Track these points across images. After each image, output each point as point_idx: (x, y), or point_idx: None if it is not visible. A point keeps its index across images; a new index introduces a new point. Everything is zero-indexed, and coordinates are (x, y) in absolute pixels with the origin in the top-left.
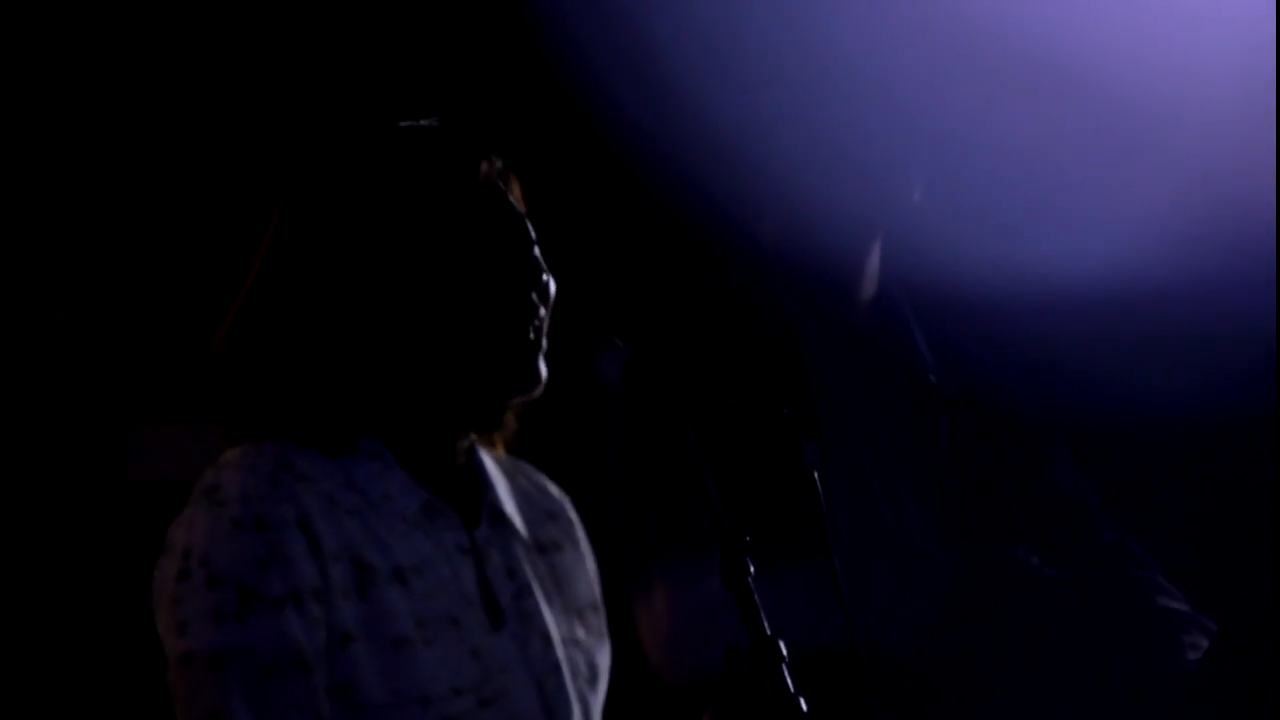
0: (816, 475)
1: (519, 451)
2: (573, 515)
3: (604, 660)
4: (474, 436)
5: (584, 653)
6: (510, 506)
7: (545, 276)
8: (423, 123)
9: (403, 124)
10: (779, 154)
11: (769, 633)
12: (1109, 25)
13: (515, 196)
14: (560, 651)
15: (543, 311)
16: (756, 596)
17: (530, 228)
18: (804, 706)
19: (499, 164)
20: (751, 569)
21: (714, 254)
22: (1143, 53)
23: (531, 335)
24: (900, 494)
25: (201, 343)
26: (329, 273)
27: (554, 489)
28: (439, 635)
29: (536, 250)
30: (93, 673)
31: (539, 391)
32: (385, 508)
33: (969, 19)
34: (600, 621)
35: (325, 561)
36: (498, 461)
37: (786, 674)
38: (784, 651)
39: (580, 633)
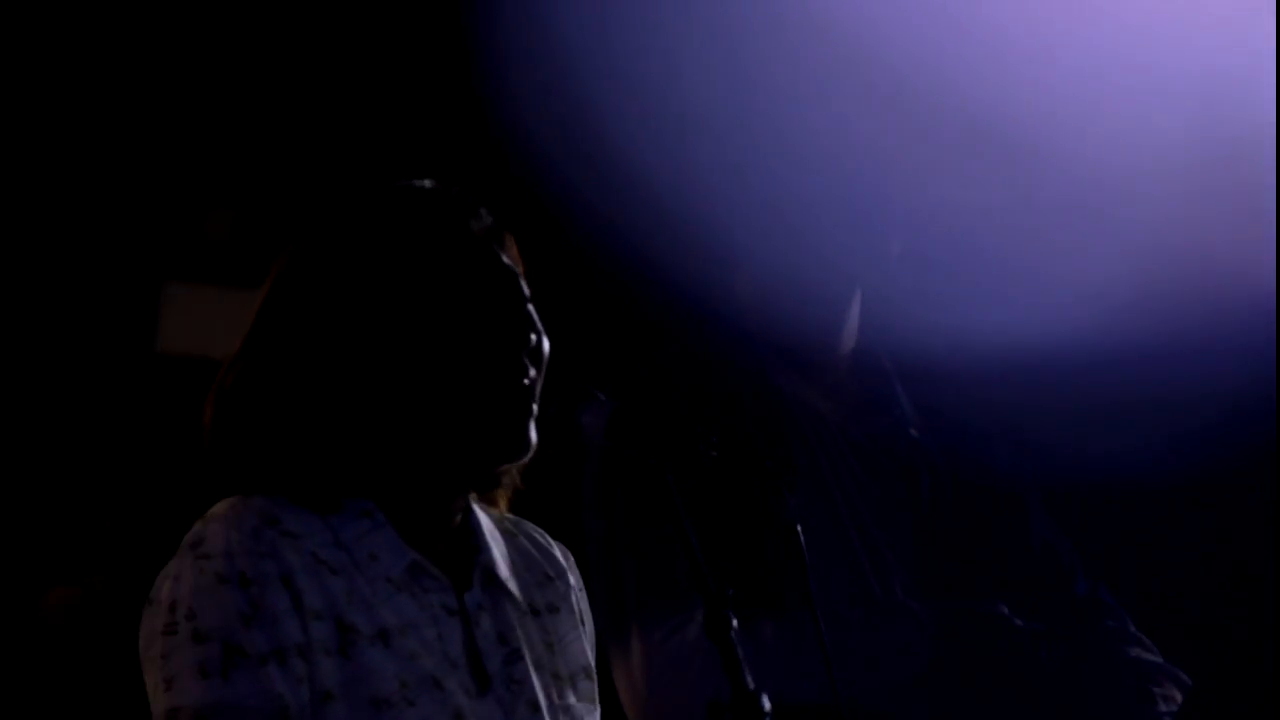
0: (799, 528)
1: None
2: (574, 578)
3: None
4: (472, 496)
5: (573, 719)
6: (505, 569)
7: (537, 335)
8: (415, 183)
9: (395, 183)
10: (757, 210)
11: (751, 687)
12: (1075, 98)
13: (510, 254)
14: (548, 718)
15: (533, 371)
16: (739, 650)
17: (523, 286)
18: None
19: (492, 221)
20: (734, 623)
21: (693, 309)
22: (1108, 124)
23: (522, 399)
24: (880, 549)
25: (233, 200)
26: (321, 330)
27: (557, 550)
28: (421, 697)
29: (530, 308)
30: (117, 550)
31: (527, 457)
32: (371, 568)
33: (940, 88)
34: (592, 687)
35: (307, 619)
36: (498, 521)
37: None
38: (766, 706)
39: (571, 699)
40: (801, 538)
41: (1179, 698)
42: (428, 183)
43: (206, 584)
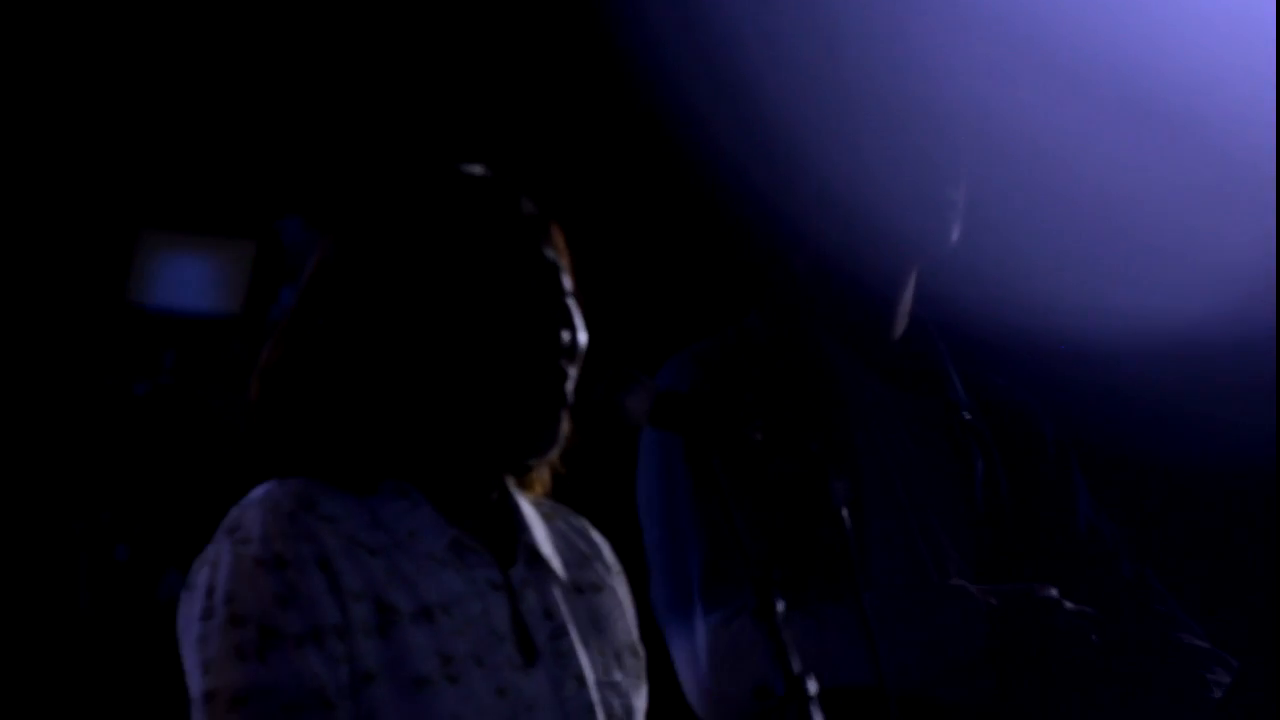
0: (845, 512)
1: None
2: (612, 559)
3: (640, 703)
4: (509, 479)
5: (620, 695)
6: (548, 548)
7: (572, 332)
8: (461, 168)
9: (442, 168)
10: (817, 188)
11: (797, 670)
12: (1205, 71)
13: (554, 245)
14: (595, 693)
15: (568, 366)
16: (785, 633)
17: (564, 280)
18: None
19: (536, 212)
20: (780, 605)
21: (750, 288)
22: (1239, 99)
23: (552, 393)
24: (936, 531)
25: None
26: (361, 314)
27: (594, 533)
28: (465, 673)
29: (569, 303)
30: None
31: (553, 453)
32: (412, 545)
33: (1058, 49)
34: (638, 664)
35: (346, 600)
36: (536, 504)
37: (815, 712)
38: (812, 690)
39: (617, 675)
40: (847, 522)
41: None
42: (476, 169)
43: (243, 568)
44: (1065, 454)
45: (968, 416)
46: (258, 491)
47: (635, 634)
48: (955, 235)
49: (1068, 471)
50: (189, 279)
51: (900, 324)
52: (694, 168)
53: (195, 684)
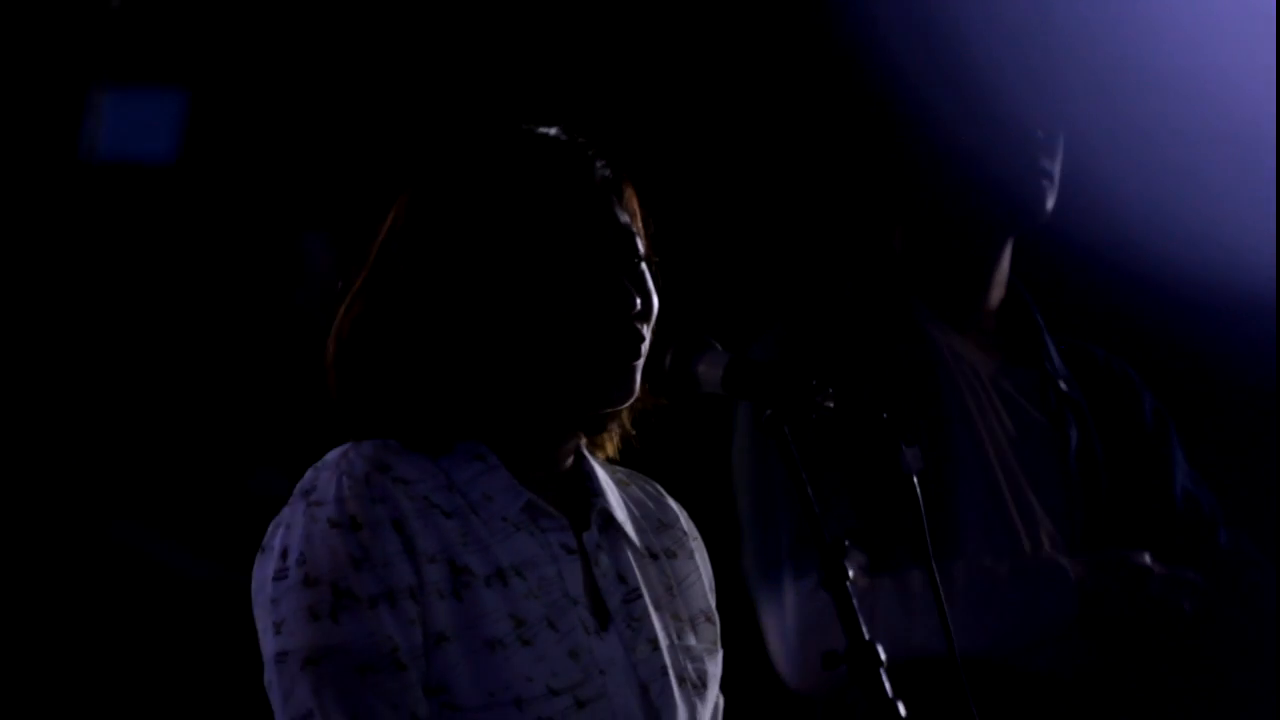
0: (915, 480)
1: (629, 458)
2: (689, 526)
3: (715, 669)
4: (583, 441)
5: (694, 660)
6: (622, 514)
7: (645, 293)
8: (537, 130)
9: (516, 129)
10: (915, 157)
11: (866, 637)
12: None
13: (628, 206)
14: (668, 656)
15: (644, 328)
16: (855, 601)
17: (638, 242)
18: (902, 712)
19: (612, 173)
20: (851, 573)
21: (847, 259)
22: None
23: (627, 346)
24: (1030, 501)
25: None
26: (437, 273)
27: (671, 500)
28: (537, 635)
29: (641, 266)
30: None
31: (628, 402)
32: (486, 508)
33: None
34: (713, 631)
35: (420, 561)
36: (611, 471)
37: (884, 679)
38: (882, 656)
39: (691, 640)
40: (918, 491)
41: None
42: (550, 130)
43: (318, 530)
44: (1163, 423)
45: (1064, 387)
46: (333, 454)
47: (712, 601)
48: (1051, 205)
49: (1165, 441)
50: (128, 127)
51: (997, 294)
52: (793, 138)
53: (268, 644)
